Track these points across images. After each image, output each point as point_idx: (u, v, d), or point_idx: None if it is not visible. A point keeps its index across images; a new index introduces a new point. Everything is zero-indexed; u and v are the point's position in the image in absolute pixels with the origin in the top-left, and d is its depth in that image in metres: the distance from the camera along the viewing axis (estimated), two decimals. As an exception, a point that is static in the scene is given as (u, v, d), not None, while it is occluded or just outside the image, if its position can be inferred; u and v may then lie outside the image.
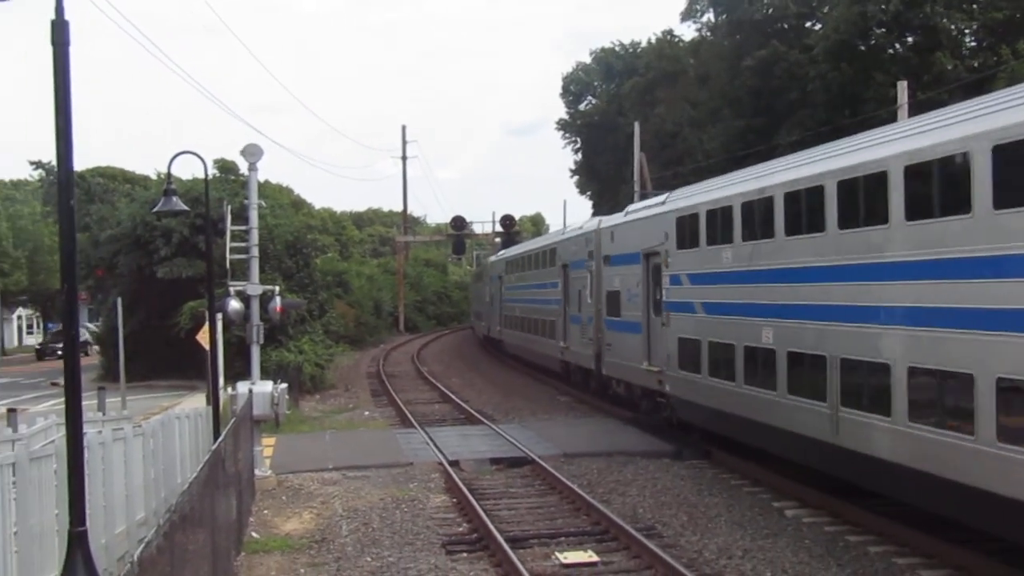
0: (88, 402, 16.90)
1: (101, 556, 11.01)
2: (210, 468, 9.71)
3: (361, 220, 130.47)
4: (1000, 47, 38.05)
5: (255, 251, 19.76)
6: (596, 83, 77.20)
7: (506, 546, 12.93)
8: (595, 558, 12.81)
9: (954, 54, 39.14)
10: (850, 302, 13.44)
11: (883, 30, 40.65)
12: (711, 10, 56.62)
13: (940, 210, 11.58)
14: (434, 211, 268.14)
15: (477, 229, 77.34)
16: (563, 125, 78.82)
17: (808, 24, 48.04)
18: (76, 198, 8.90)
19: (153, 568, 5.82)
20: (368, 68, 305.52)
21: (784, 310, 15.35)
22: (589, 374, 28.69)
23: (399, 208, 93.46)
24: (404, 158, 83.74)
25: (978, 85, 29.75)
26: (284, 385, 19.38)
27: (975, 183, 10.80)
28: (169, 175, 18.09)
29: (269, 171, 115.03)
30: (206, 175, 19.23)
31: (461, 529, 14.88)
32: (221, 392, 21.50)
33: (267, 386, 18.75)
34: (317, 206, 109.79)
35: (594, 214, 47.77)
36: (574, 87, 78.34)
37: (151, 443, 14.42)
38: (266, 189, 54.18)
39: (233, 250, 20.16)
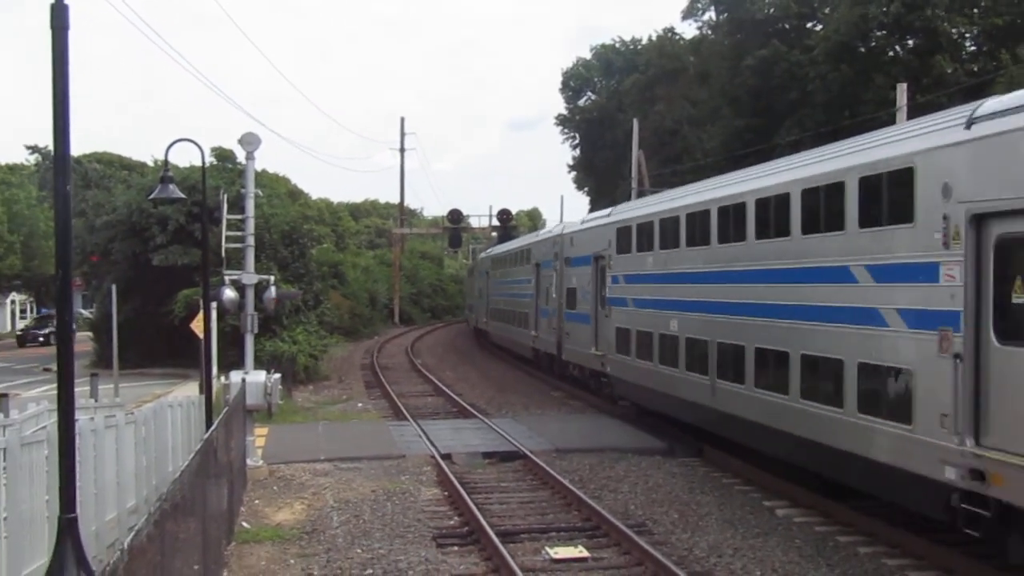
0: (81, 388, 16.85)
1: (91, 543, 10.98)
2: (202, 457, 9.67)
3: (358, 211, 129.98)
4: (1000, 52, 38.09)
5: (251, 240, 19.74)
6: (596, 79, 77.18)
7: (496, 540, 12.94)
8: (585, 554, 12.81)
9: (954, 58, 39.21)
10: (722, 299, 17.37)
11: (883, 32, 40.70)
12: (712, 8, 56.63)
13: (775, 232, 15.58)
14: (431, 204, 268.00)
15: (474, 223, 77.42)
16: (562, 120, 78.78)
17: (809, 25, 48.05)
18: (72, 183, 8.85)
19: (143, 556, 5.80)
20: (369, 63, 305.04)
21: (683, 304, 19.32)
22: (553, 359, 32.87)
23: (396, 200, 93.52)
24: (402, 150, 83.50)
25: (978, 89, 29.74)
26: (278, 375, 19.33)
27: (791, 216, 14.96)
28: (166, 162, 18.01)
29: (267, 160, 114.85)
30: (203, 162, 19.15)
31: (452, 522, 14.88)
32: (214, 381, 21.47)
33: (260, 376, 18.74)
34: (314, 196, 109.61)
35: (591, 210, 47.92)
36: (574, 82, 78.33)
37: (143, 431, 14.37)
38: (263, 178, 53.96)
39: (229, 239, 20.13)
